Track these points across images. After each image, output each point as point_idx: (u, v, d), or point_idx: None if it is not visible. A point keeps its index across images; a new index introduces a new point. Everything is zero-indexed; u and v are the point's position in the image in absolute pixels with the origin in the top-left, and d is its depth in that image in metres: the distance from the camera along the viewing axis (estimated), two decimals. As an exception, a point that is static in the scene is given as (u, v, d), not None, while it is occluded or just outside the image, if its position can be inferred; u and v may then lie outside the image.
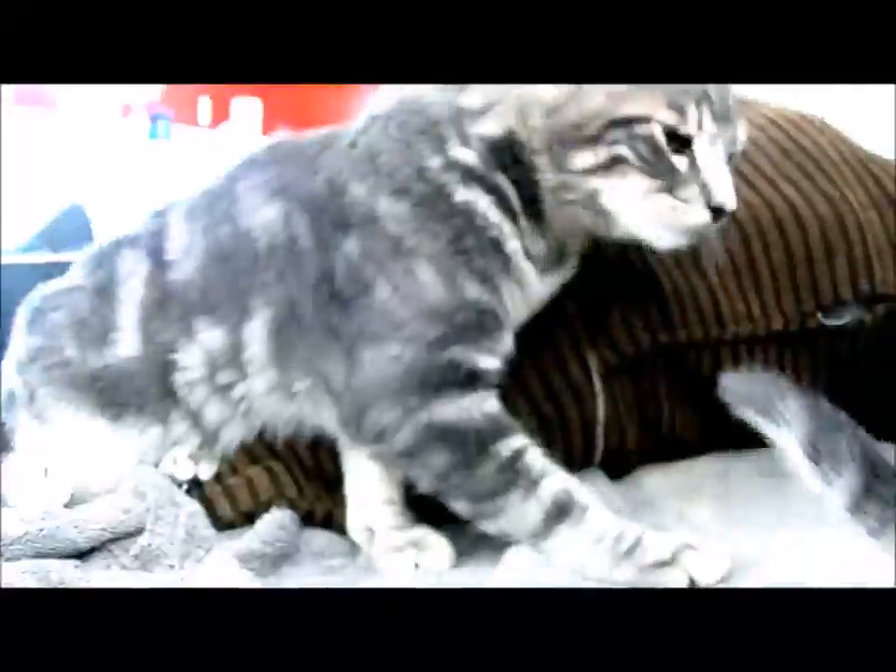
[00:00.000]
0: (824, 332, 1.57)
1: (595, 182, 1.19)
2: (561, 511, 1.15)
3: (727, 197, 1.18)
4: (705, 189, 1.17)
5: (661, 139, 1.16)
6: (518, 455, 1.18)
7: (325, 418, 1.33)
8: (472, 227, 1.22)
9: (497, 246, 1.23)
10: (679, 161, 1.17)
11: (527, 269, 1.26)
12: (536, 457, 1.19)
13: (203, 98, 6.04)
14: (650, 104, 1.17)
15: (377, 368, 1.20)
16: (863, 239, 1.59)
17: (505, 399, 1.33)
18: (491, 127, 1.24)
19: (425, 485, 1.23)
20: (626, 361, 1.48)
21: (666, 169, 1.17)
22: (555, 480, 1.18)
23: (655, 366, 1.51)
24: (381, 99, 1.32)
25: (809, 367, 1.59)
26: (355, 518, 1.34)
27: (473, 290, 1.21)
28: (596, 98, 1.18)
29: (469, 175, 1.24)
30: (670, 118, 1.16)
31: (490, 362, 1.23)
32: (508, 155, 1.24)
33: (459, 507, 1.21)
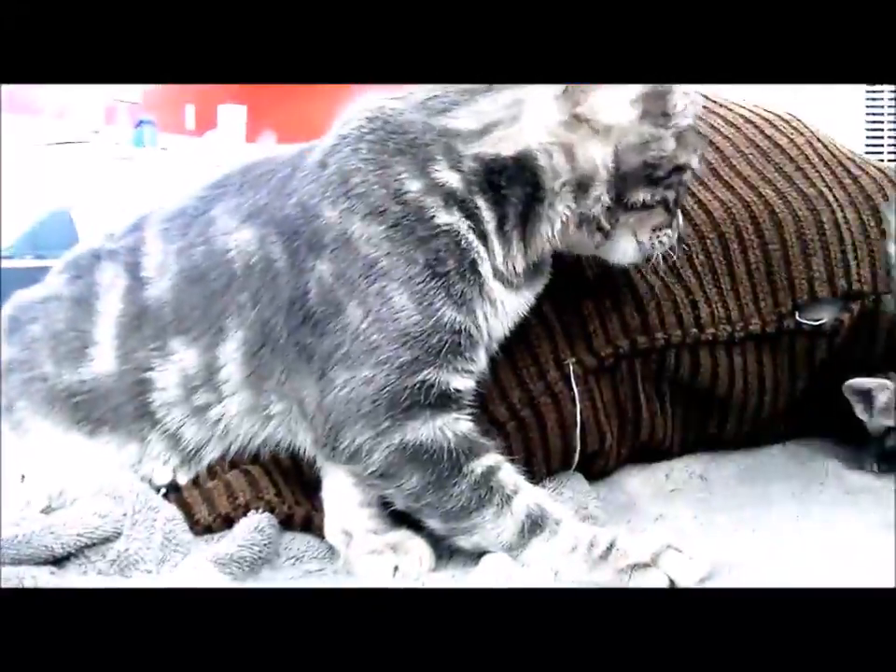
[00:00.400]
0: (802, 332, 1.57)
1: (630, 217, 1.27)
2: (535, 525, 1.17)
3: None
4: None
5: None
6: (491, 472, 1.19)
7: (300, 440, 1.34)
8: (453, 250, 1.22)
9: (474, 269, 1.23)
10: None
11: (498, 289, 1.27)
12: (508, 474, 1.21)
13: (189, 106, 6.05)
14: (690, 153, 1.29)
15: (350, 390, 1.20)
16: (840, 238, 1.60)
17: (484, 406, 1.34)
18: (498, 147, 1.23)
19: (399, 504, 1.24)
20: (605, 365, 1.48)
21: (676, 209, 1.30)
22: (528, 495, 1.19)
23: (634, 369, 1.51)
24: (349, 118, 1.31)
25: (787, 367, 1.59)
26: (332, 522, 1.34)
27: (450, 313, 1.21)
28: (671, 143, 1.24)
29: (452, 199, 1.23)
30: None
31: (463, 383, 1.24)
32: (507, 175, 1.23)
33: (433, 524, 1.23)
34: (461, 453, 1.19)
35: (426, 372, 1.20)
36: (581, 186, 1.23)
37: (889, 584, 1.02)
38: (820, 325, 1.57)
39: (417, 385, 1.19)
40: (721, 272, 1.54)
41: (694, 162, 1.31)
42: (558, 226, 1.25)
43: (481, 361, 1.27)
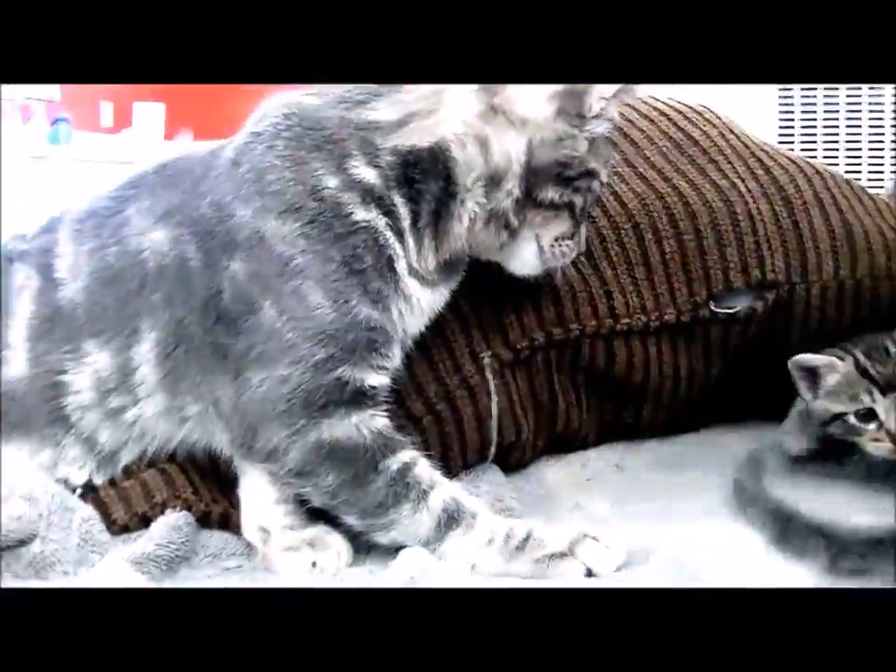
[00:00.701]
0: (716, 321, 1.59)
1: (537, 216, 1.28)
2: (451, 520, 1.18)
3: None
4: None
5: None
6: (407, 468, 1.20)
7: (217, 440, 1.33)
8: (370, 246, 1.22)
9: (391, 266, 1.24)
10: None
11: (413, 286, 1.27)
12: (424, 470, 1.22)
13: (105, 103, 5.97)
14: (601, 163, 1.31)
15: (265, 389, 1.20)
16: (754, 228, 1.62)
17: (400, 401, 1.33)
18: (414, 138, 1.23)
19: (317, 501, 1.24)
20: (521, 357, 1.48)
21: (582, 220, 1.31)
22: (444, 490, 1.20)
23: (549, 360, 1.52)
24: (263, 114, 1.30)
25: (702, 355, 1.61)
26: (249, 519, 1.33)
27: (366, 311, 1.21)
28: (584, 144, 1.26)
29: (370, 195, 1.23)
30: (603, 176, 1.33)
31: (378, 380, 1.24)
32: (421, 168, 1.23)
33: (351, 520, 1.23)
34: (377, 449, 1.19)
35: (341, 370, 1.20)
36: (494, 179, 1.23)
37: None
38: (735, 314, 1.59)
39: (333, 383, 1.19)
40: (635, 262, 1.55)
41: (604, 175, 1.33)
42: (467, 223, 1.25)
43: (396, 358, 1.27)
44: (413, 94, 1.24)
